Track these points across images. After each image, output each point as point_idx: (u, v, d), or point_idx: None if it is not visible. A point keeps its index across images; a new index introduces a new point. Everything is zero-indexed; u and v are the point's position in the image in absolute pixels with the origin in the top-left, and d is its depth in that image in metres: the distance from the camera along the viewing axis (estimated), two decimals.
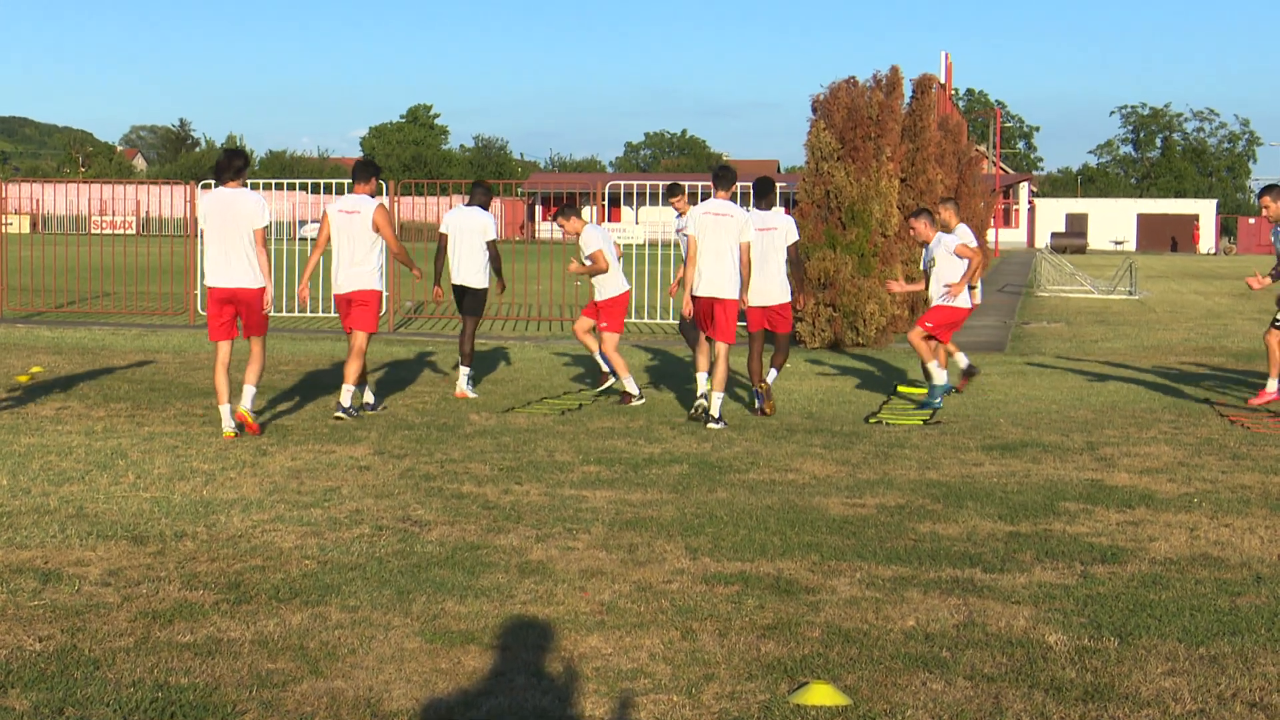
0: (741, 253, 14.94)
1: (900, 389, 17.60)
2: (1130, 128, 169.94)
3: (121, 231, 72.67)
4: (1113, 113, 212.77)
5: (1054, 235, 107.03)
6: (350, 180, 15.68)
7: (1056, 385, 18.66)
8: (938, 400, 15.89)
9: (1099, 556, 9.23)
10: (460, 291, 17.07)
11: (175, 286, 33.11)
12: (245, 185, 14.19)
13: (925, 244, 16.80)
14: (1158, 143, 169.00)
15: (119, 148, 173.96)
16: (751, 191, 16.53)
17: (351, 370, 14.92)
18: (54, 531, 9.49)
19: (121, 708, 6.26)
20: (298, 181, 35.45)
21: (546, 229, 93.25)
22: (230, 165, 13.99)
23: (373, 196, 15.25)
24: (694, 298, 15.15)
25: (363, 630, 7.45)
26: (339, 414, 14.80)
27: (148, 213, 62.40)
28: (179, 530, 9.61)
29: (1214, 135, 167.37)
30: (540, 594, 8.20)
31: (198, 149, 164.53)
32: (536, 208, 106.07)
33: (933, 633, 7.54)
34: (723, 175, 15.38)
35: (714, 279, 14.96)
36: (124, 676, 6.66)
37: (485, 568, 8.76)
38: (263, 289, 13.91)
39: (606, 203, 28.14)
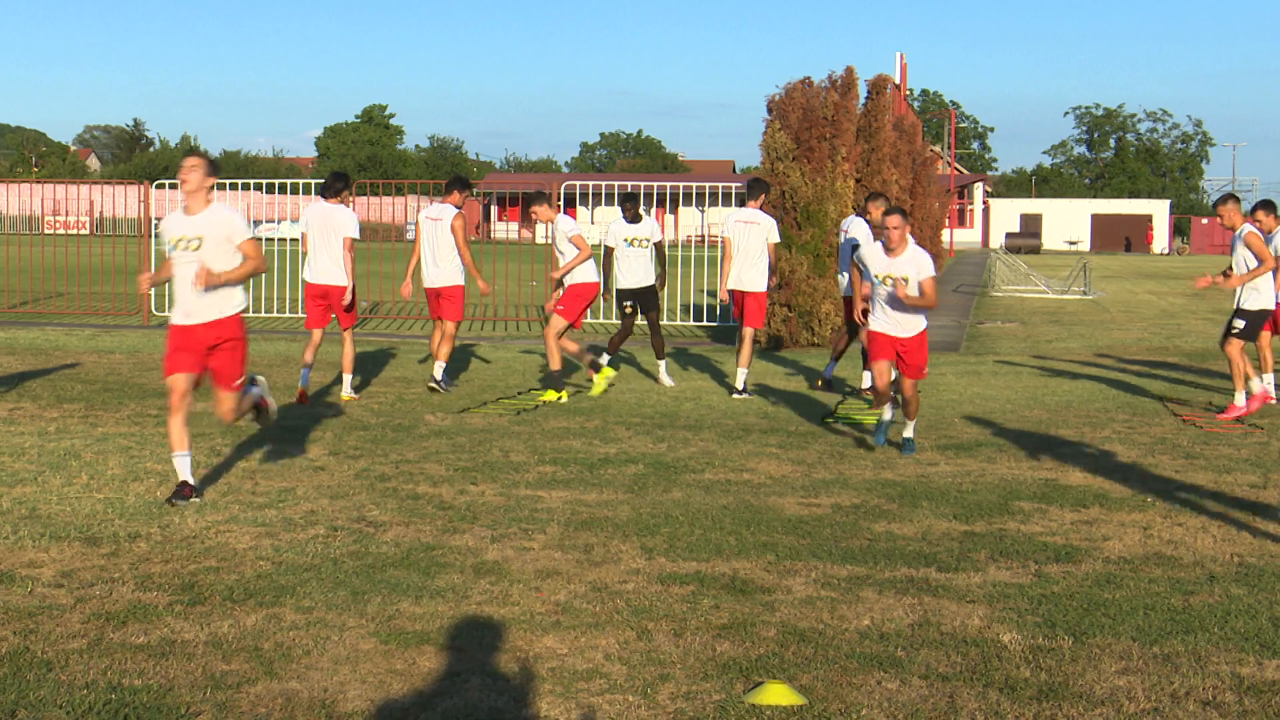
0: (770, 252, 17.54)
1: (842, 413, 15.96)
2: (1084, 128, 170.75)
3: (75, 232, 72.36)
4: (1067, 113, 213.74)
5: (1008, 235, 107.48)
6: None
7: (1011, 385, 18.73)
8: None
9: (1053, 556, 9.27)
10: (629, 294, 18.34)
11: (129, 287, 32.93)
12: (344, 203, 16.70)
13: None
14: (1111, 143, 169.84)
15: (72, 147, 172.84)
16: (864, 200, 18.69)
17: (444, 351, 17.53)
18: (6, 533, 9.44)
19: (74, 709, 6.23)
20: (252, 181, 35.31)
21: (502, 229, 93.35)
22: (333, 185, 16.70)
23: (457, 207, 17.61)
24: (731, 291, 17.60)
25: (317, 631, 7.43)
26: (432, 385, 17.40)
27: (101, 213, 62.10)
28: (133, 531, 9.57)
29: (1167, 136, 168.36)
30: (496, 594, 8.20)
31: (152, 149, 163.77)
32: (492, 208, 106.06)
33: (888, 632, 7.56)
34: (754, 186, 17.91)
35: (744, 276, 17.50)
36: (77, 678, 6.63)
37: (440, 568, 8.75)
38: (349, 286, 16.37)
39: (563, 203, 28.07)
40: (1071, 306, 37.59)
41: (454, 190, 17.86)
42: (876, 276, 13.58)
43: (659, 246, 18.26)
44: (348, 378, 16.69)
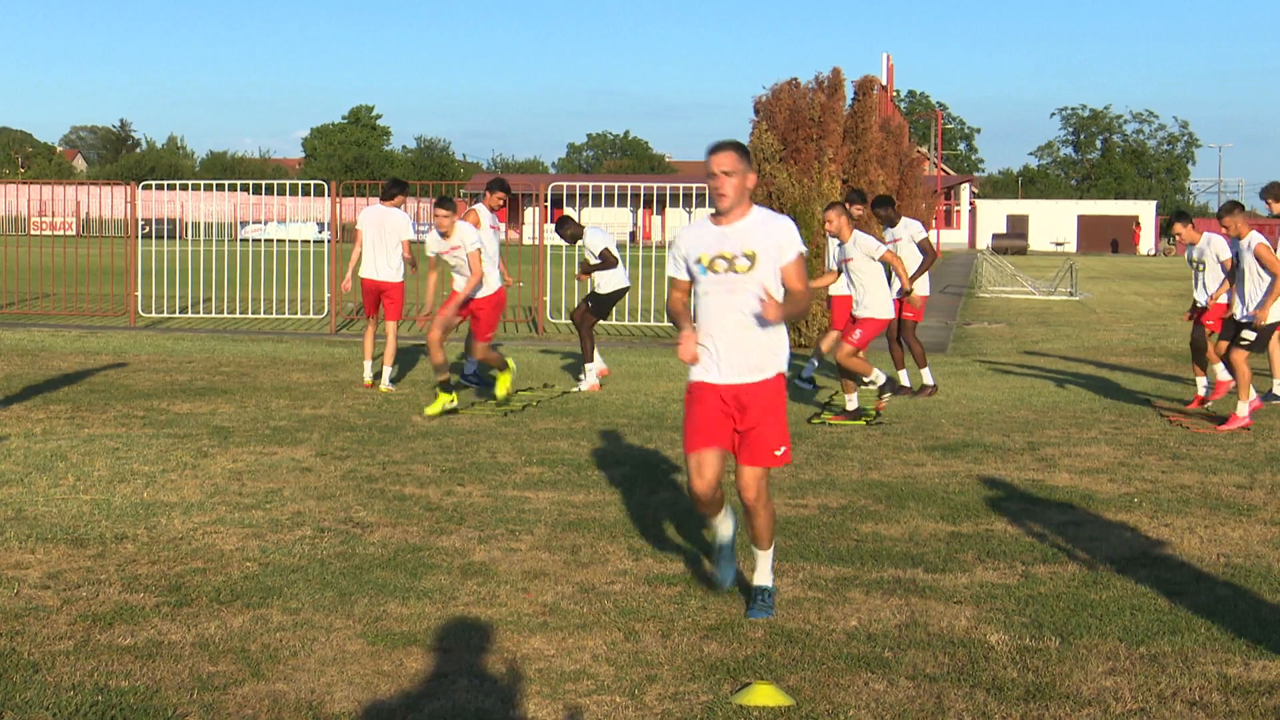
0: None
1: (829, 419, 15.63)
2: (1070, 129, 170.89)
3: (61, 232, 72.21)
4: (1053, 114, 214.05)
5: (995, 236, 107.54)
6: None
7: (997, 386, 18.75)
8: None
9: (1040, 556, 9.28)
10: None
11: (116, 288, 32.88)
12: (400, 206, 17.99)
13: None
14: (1098, 144, 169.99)
15: (59, 148, 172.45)
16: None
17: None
18: None
19: (61, 711, 6.22)
20: (239, 182, 35.26)
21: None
22: (389, 190, 18.10)
23: (491, 209, 18.10)
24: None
25: (304, 632, 7.42)
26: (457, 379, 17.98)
27: (88, 214, 62.04)
28: (119, 533, 9.56)
29: (1153, 137, 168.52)
30: (483, 595, 8.19)
31: (138, 149, 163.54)
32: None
33: (875, 633, 7.56)
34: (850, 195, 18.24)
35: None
36: (64, 680, 6.61)
37: (427, 569, 8.74)
38: (401, 283, 17.79)
39: (549, 204, 28.08)
40: (1058, 307, 37.65)
41: (487, 193, 18.33)
42: (700, 262, 7.81)
43: (602, 254, 18.03)
44: (387, 370, 17.61)
